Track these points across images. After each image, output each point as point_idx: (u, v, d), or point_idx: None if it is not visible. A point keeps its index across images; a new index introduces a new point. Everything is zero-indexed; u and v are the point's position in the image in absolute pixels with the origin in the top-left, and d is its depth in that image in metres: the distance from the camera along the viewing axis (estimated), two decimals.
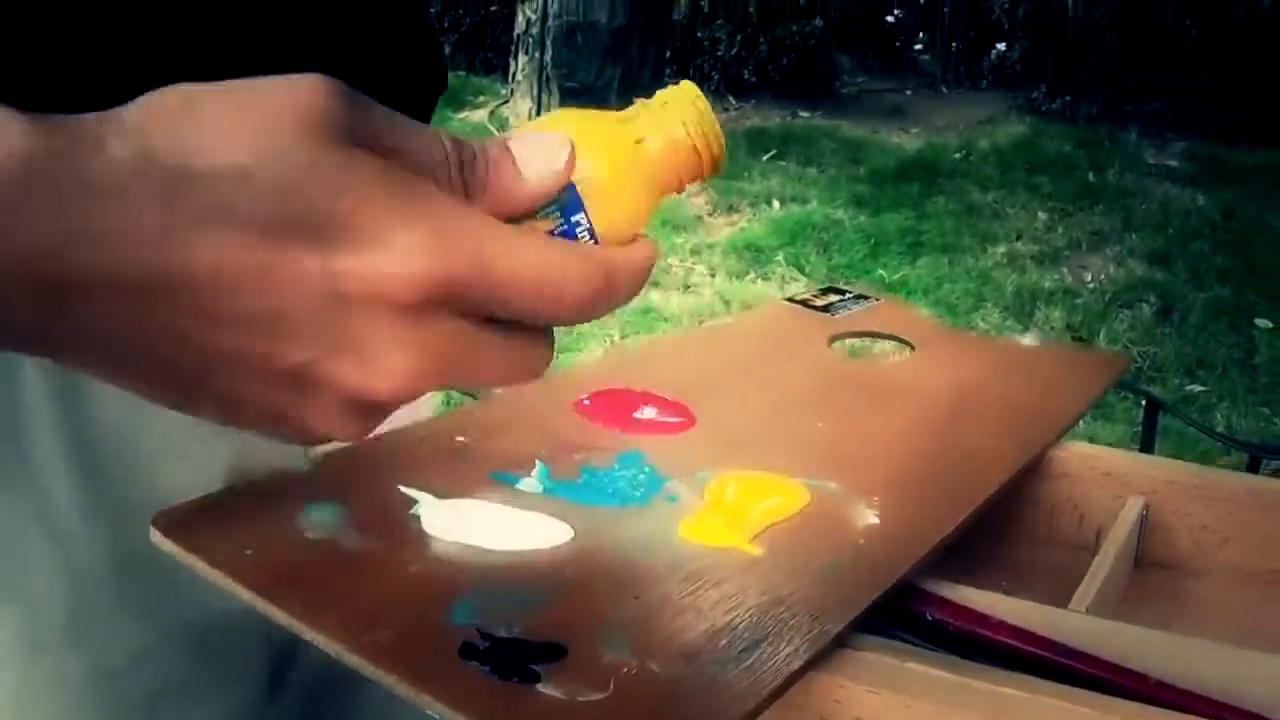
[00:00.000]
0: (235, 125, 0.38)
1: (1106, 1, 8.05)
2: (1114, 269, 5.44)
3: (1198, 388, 4.32)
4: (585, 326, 4.32)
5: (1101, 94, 7.89)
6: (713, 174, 0.49)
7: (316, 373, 0.40)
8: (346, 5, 0.64)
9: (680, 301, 4.82)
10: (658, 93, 0.49)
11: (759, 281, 5.10)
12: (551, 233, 0.44)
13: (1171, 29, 7.77)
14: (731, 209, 5.89)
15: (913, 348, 0.91)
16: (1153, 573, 0.75)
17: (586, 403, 0.72)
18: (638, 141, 0.47)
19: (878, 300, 1.02)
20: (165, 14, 0.56)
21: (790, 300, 0.99)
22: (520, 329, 0.44)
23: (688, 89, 0.49)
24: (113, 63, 0.54)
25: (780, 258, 5.28)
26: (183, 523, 0.53)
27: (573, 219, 0.45)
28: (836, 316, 0.95)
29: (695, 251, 5.34)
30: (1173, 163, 6.96)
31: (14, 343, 0.40)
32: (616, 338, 4.40)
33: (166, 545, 0.52)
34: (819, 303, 0.98)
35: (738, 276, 5.12)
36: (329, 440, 0.44)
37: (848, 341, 0.92)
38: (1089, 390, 0.86)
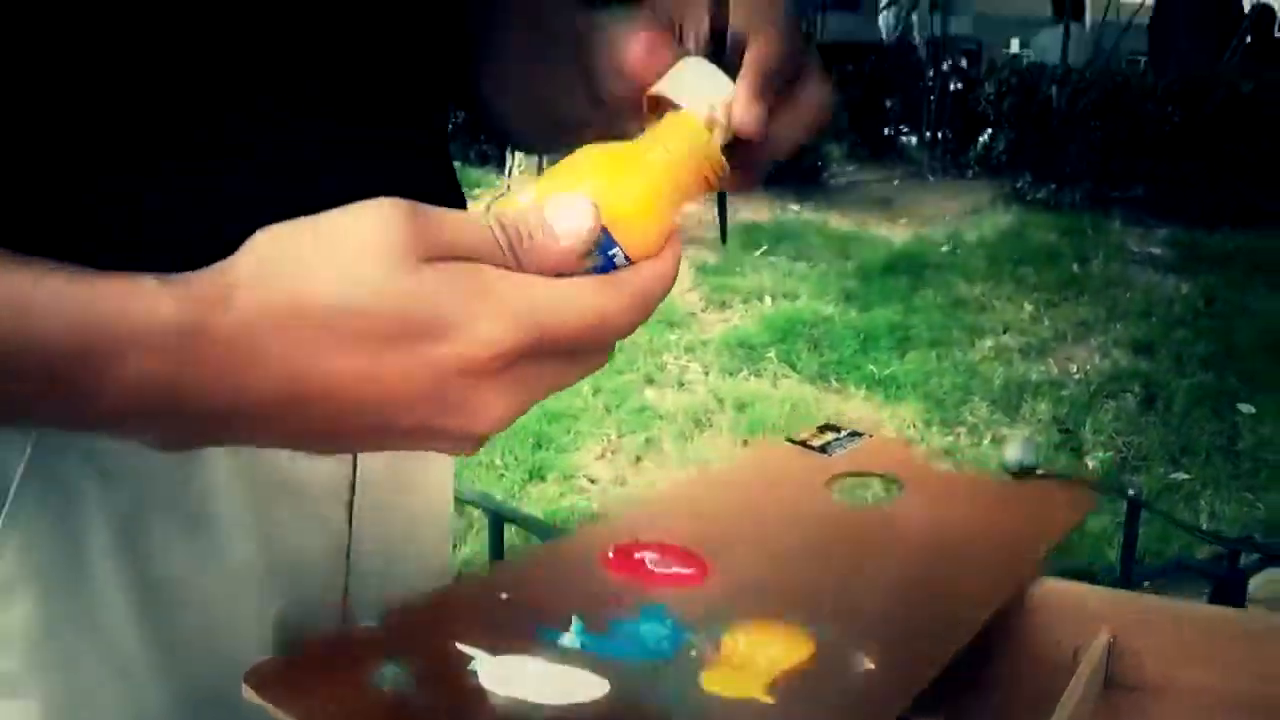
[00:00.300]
0: (329, 268, 0.51)
1: (1090, 91, 8.18)
2: (1099, 359, 5.52)
3: (1182, 475, 4.38)
4: (582, 426, 4.42)
5: (1085, 181, 8.00)
6: (717, 187, 0.61)
7: (430, 427, 0.53)
8: (377, 151, 0.72)
9: (675, 399, 4.88)
10: (664, 118, 0.61)
11: (751, 379, 5.14)
12: (594, 268, 0.55)
13: (1153, 117, 7.88)
14: (724, 305, 5.96)
15: (902, 486, 1.00)
16: (1122, 695, 0.83)
17: (610, 557, 0.79)
18: (652, 171, 0.59)
19: (869, 437, 1.10)
20: (224, 156, 0.65)
21: (790, 440, 1.08)
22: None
23: (687, 117, 0.61)
24: (176, 194, 0.64)
25: (772, 354, 5.32)
26: (271, 680, 0.61)
27: (609, 253, 0.55)
28: (832, 456, 1.04)
29: (689, 349, 5.39)
30: (1155, 250, 7.06)
31: (196, 443, 0.56)
32: (613, 436, 4.47)
33: (258, 702, 0.59)
34: (816, 443, 1.07)
35: (731, 374, 5.17)
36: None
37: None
38: (1064, 525, 0.94)
